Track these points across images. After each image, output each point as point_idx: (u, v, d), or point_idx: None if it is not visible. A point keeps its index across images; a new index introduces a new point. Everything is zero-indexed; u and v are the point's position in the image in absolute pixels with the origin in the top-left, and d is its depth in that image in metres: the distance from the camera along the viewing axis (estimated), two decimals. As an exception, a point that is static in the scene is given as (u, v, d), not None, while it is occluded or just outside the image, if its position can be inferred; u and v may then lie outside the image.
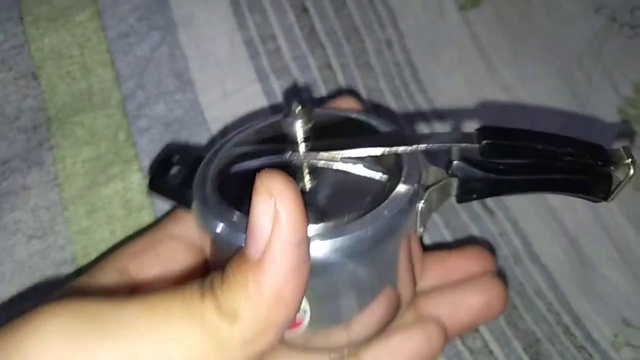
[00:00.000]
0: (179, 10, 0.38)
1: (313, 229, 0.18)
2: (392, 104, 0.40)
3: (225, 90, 0.37)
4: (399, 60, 0.42)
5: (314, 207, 0.20)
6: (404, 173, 0.20)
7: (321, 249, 0.18)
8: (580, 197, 0.21)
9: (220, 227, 0.19)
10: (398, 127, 0.23)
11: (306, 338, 0.21)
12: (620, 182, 0.20)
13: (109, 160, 0.33)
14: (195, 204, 0.20)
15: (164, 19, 0.38)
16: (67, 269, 0.29)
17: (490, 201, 0.36)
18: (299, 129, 0.20)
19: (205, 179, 0.20)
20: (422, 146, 0.20)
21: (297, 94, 0.37)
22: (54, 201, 0.31)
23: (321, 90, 0.39)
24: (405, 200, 0.19)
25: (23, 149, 0.32)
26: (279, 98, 0.37)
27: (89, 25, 0.37)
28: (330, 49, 0.40)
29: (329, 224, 0.19)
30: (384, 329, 0.23)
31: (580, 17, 0.49)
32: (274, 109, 0.37)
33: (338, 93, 0.39)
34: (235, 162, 0.22)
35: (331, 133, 0.22)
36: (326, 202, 0.20)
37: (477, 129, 0.20)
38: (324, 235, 0.18)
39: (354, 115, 0.23)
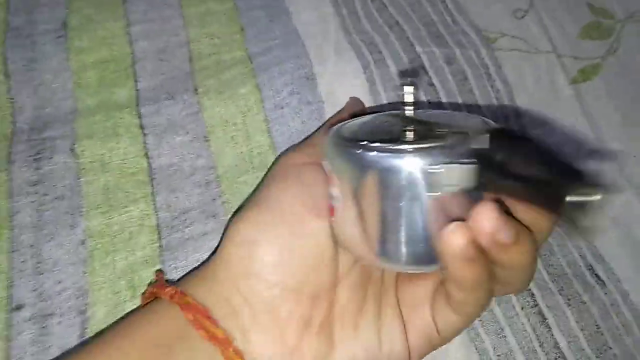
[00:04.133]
0: (324, 87, 0.44)
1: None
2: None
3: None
4: (515, 133, 0.46)
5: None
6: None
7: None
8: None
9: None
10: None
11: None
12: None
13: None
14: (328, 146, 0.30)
15: (312, 94, 0.44)
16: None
17: (602, 273, 0.38)
18: (409, 95, 0.28)
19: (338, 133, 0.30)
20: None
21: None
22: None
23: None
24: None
25: (199, 201, 0.39)
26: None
27: (251, 97, 0.44)
28: (454, 123, 0.44)
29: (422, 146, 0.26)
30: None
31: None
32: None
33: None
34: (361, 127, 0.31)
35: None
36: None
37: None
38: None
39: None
